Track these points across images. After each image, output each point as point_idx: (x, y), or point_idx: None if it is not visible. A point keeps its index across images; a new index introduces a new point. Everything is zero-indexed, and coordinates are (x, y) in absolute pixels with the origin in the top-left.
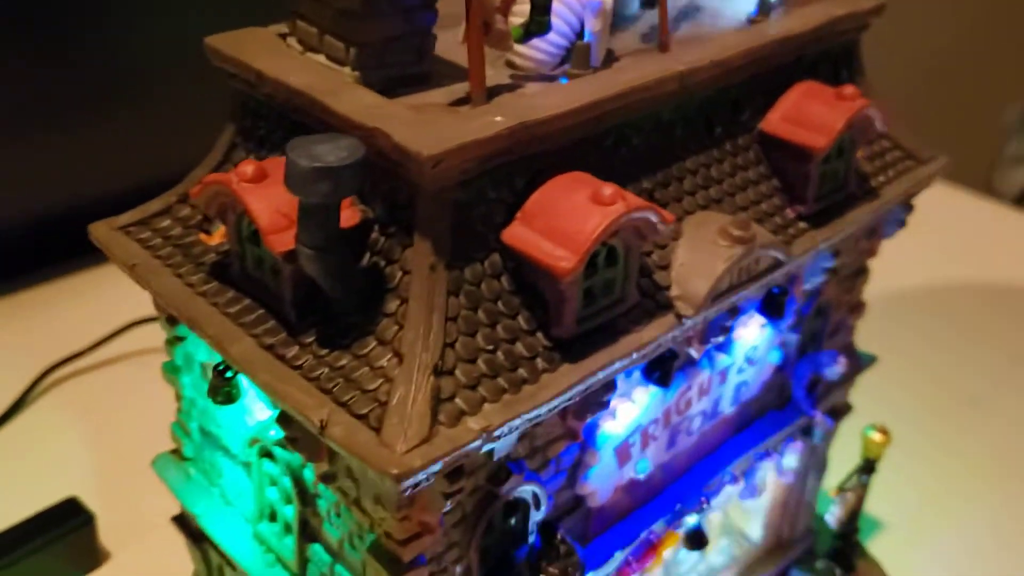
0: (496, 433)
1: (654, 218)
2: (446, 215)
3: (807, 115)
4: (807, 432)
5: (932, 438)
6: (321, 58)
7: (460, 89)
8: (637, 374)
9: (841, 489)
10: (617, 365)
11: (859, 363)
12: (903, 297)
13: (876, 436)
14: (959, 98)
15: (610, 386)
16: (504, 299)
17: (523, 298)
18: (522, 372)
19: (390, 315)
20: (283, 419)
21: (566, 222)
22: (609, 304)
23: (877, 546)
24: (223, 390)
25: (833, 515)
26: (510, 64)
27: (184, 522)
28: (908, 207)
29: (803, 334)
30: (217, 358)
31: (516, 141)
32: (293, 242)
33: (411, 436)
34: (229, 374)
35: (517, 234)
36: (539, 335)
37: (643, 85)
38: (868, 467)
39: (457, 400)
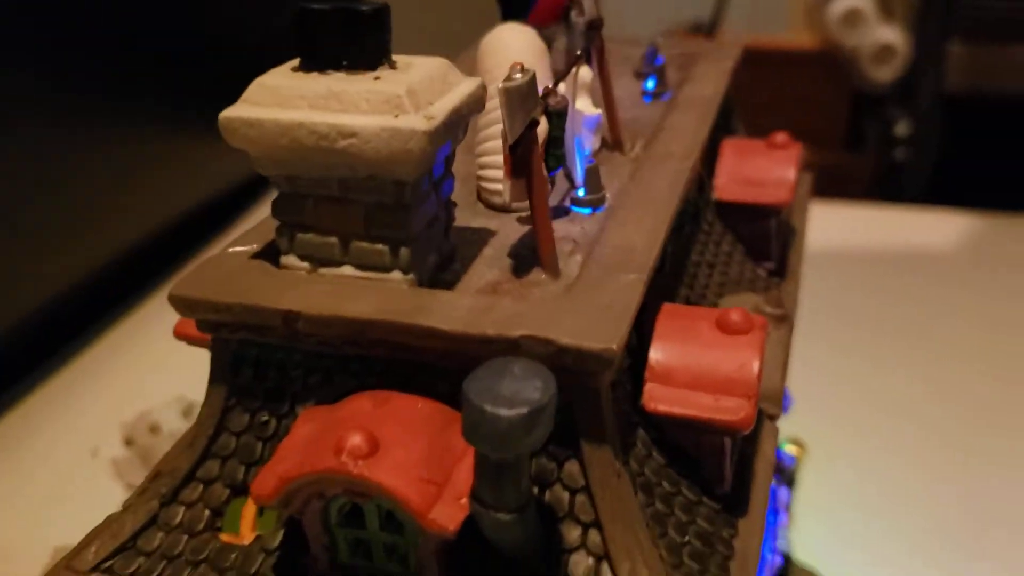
0: None
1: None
2: (610, 407)
3: (754, 173)
4: (782, 474)
5: None
6: (347, 270)
7: (494, 260)
8: None
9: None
10: (768, 500)
11: None
12: None
13: (793, 450)
14: None
15: None
16: (665, 476)
17: (676, 467)
18: (721, 550)
19: (574, 549)
20: None
21: (711, 366)
22: None
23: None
24: None
25: (787, 540)
26: (494, 206)
27: None
28: None
29: None
30: None
31: (643, 295)
32: (461, 513)
33: None
34: None
35: (661, 398)
36: (705, 500)
37: (685, 194)
38: (790, 483)
39: None
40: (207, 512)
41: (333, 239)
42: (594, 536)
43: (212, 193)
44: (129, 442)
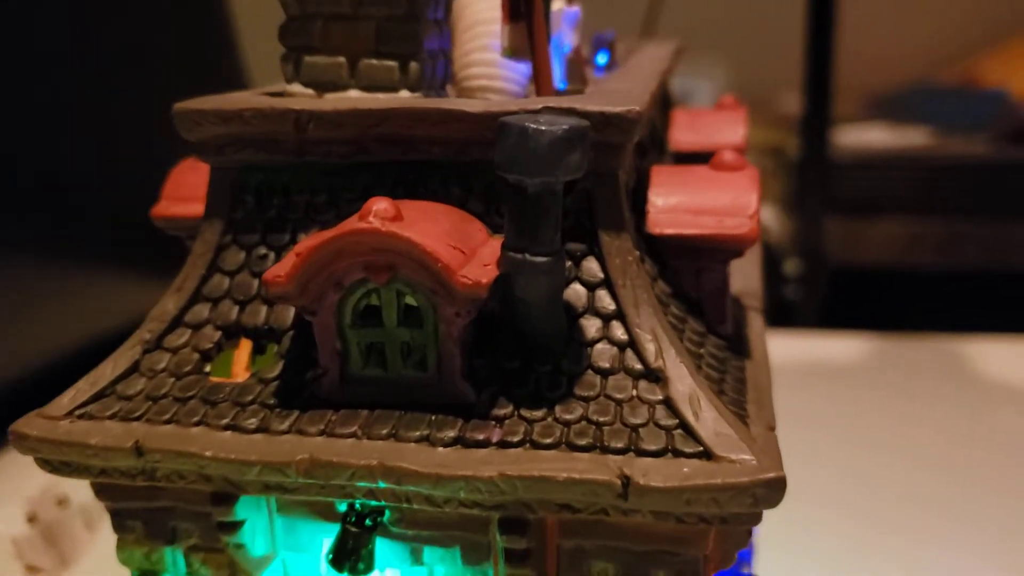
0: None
1: None
2: (626, 195)
3: (706, 127)
4: None
5: None
6: (353, 93)
7: None
8: None
9: None
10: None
11: None
12: None
13: None
14: None
15: None
16: (673, 304)
17: (680, 302)
18: (733, 372)
19: (596, 340)
20: (509, 526)
21: (711, 197)
22: None
23: None
24: (364, 549)
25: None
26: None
27: None
28: None
29: None
30: (302, 537)
31: (648, 115)
32: (491, 272)
33: (753, 445)
34: (370, 522)
35: (666, 223)
36: (711, 336)
37: (662, 81)
38: None
39: (728, 407)
40: (196, 356)
41: (341, 59)
42: (616, 328)
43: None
44: (32, 519)
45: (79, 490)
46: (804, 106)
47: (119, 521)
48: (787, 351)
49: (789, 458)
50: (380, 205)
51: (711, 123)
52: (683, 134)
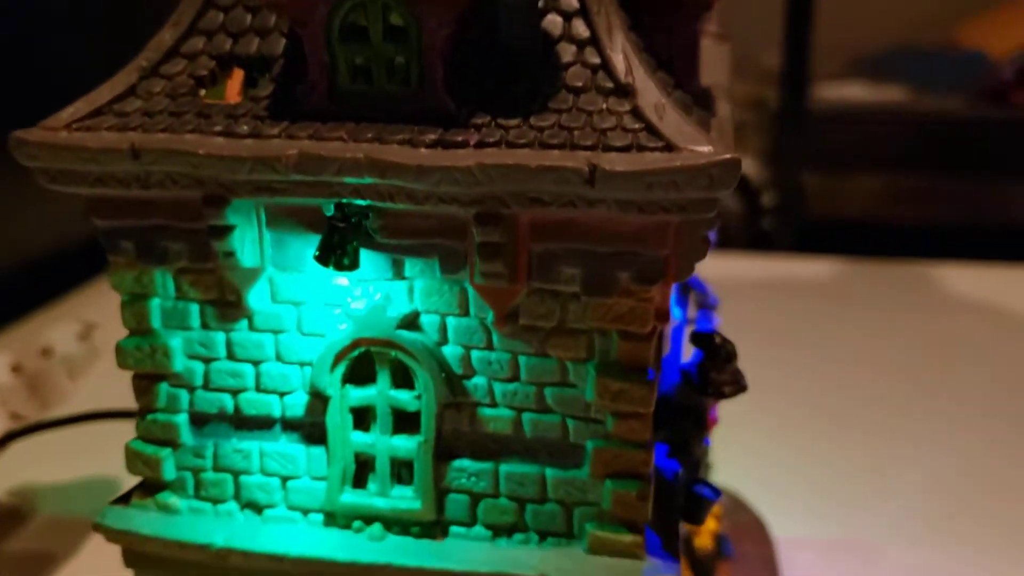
0: None
1: None
2: None
3: None
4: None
5: None
6: None
7: None
8: None
9: None
10: None
11: None
12: None
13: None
14: None
15: None
16: (644, 57)
17: (651, 57)
18: (698, 113)
19: (570, 64)
20: (484, 220)
21: None
22: None
23: None
24: (350, 245)
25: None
26: None
27: None
28: None
29: None
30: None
31: None
32: None
33: (711, 140)
34: (355, 219)
35: None
36: (678, 91)
37: None
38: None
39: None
40: (191, 81)
41: None
42: (589, 53)
43: None
44: (16, 368)
45: (63, 340)
46: (784, 59)
47: (111, 242)
48: (761, 271)
49: (759, 366)
50: None
51: None
52: None
